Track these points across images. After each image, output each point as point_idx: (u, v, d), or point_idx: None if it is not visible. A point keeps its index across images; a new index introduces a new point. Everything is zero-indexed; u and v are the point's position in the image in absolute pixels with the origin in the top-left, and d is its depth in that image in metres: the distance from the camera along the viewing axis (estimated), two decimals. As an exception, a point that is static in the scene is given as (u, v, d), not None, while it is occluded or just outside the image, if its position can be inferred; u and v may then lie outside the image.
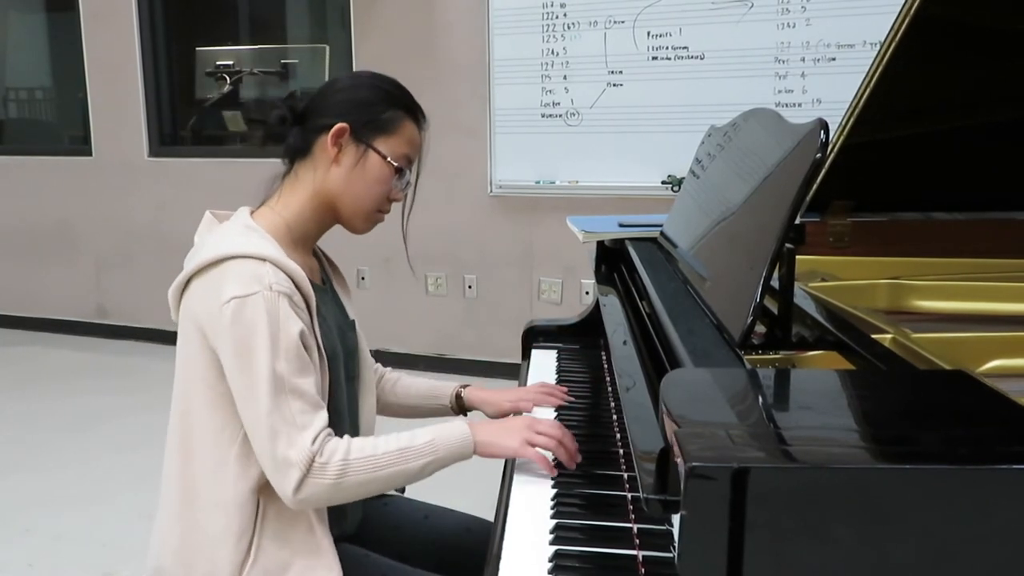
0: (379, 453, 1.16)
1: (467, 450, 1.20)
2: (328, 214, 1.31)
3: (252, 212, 1.30)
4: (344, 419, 1.34)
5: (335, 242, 1.42)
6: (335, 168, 1.27)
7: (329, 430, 1.17)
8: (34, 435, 3.55)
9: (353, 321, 1.42)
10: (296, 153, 1.30)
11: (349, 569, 1.23)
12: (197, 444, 1.21)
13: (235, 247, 1.18)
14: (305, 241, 1.32)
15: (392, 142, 1.29)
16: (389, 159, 1.28)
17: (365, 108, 1.28)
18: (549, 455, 1.23)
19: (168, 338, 5.09)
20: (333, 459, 1.13)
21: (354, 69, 4.21)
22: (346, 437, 1.17)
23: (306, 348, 1.18)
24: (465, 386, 1.57)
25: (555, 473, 1.21)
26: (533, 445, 1.22)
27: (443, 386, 1.57)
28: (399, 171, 1.29)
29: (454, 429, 1.20)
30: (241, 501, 1.19)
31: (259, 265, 1.17)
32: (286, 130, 1.30)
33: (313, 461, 1.12)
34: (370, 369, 1.46)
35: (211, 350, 1.18)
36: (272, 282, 1.16)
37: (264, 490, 1.20)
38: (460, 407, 1.56)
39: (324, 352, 1.24)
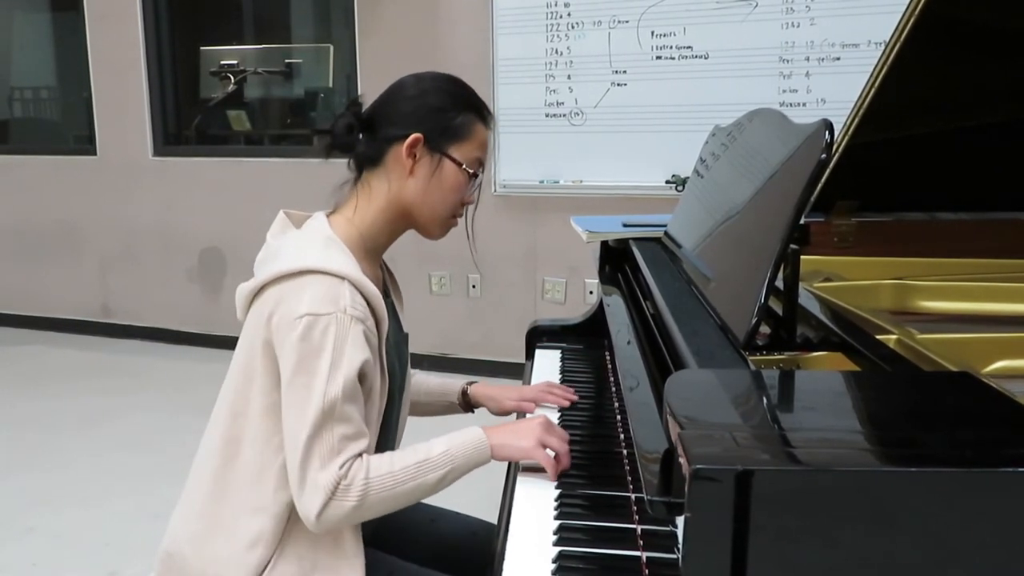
0: (396, 469, 1.14)
1: (484, 455, 1.19)
2: (401, 223, 1.30)
3: (327, 217, 1.28)
4: (394, 431, 1.34)
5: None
6: (411, 179, 1.25)
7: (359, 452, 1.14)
8: (38, 434, 3.56)
9: (407, 335, 1.40)
10: (366, 162, 1.28)
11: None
12: (244, 449, 1.20)
13: (317, 261, 1.16)
14: (376, 252, 1.31)
15: (465, 148, 1.27)
16: (464, 166, 1.26)
17: (437, 115, 1.26)
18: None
19: (171, 337, 5.10)
20: (356, 480, 1.11)
21: (358, 69, 4.22)
22: (364, 456, 1.14)
23: (362, 377, 1.16)
24: (472, 383, 1.57)
25: (556, 480, 1.21)
26: (544, 447, 1.21)
27: (452, 383, 1.58)
28: (473, 176, 1.28)
29: (468, 435, 1.19)
30: (277, 511, 1.18)
31: (338, 284, 1.15)
32: (352, 138, 1.27)
33: (339, 485, 1.10)
34: (410, 379, 1.46)
35: (274, 359, 1.16)
36: (348, 304, 1.14)
37: None
38: (466, 403, 1.57)
39: (387, 373, 1.23)
